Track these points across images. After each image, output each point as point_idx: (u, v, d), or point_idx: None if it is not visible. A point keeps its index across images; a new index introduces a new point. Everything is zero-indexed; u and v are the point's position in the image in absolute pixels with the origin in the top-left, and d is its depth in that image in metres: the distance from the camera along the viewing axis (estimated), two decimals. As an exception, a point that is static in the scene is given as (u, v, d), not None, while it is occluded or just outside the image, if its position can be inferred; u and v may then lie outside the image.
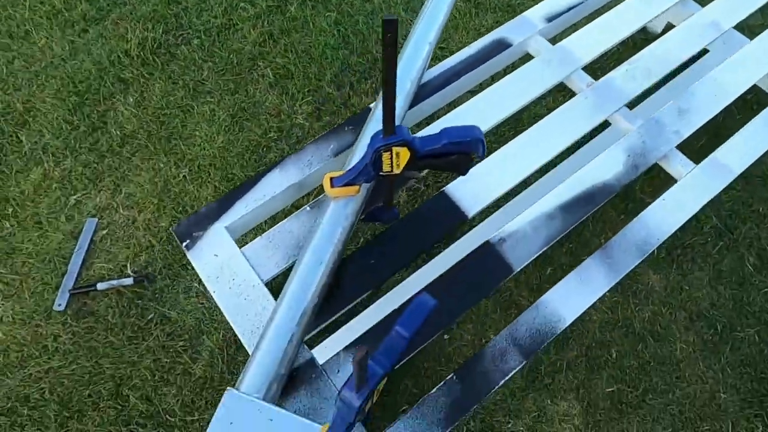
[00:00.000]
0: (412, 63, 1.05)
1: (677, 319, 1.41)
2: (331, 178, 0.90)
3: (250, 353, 0.85)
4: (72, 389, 1.29)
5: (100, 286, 1.39)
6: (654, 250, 1.02)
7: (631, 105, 1.16)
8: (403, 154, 0.82)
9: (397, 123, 0.88)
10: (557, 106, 1.13)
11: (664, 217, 1.01)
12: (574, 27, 1.28)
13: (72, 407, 1.27)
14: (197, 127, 1.65)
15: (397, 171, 0.85)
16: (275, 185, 0.99)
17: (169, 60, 1.78)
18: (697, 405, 1.31)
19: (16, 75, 1.74)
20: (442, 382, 0.86)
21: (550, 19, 1.22)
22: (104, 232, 1.50)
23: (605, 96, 1.13)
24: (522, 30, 1.21)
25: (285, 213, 1.12)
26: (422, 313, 0.72)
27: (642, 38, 1.73)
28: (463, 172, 0.91)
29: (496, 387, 0.85)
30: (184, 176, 1.57)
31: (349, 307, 0.92)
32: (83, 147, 1.62)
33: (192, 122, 1.66)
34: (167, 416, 1.26)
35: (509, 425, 1.27)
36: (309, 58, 1.78)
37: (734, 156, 1.07)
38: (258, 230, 1.34)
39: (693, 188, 1.04)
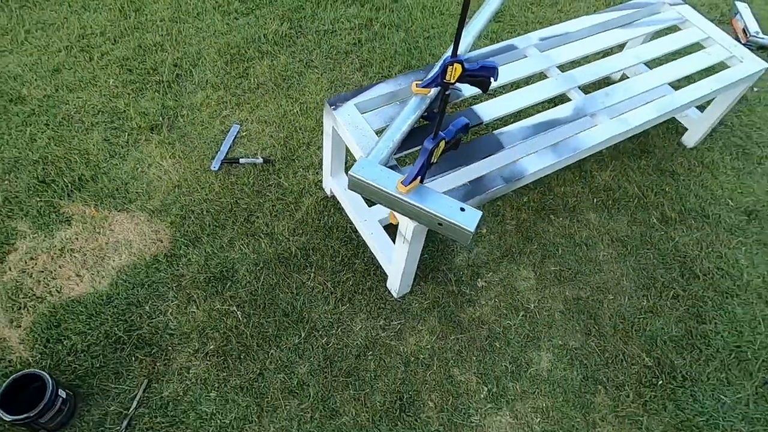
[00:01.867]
0: (476, 24, 1.90)
1: (603, 239, 2.17)
2: (416, 83, 1.73)
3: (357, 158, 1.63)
4: (220, 212, 2.04)
5: (241, 160, 2.18)
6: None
7: (584, 89, 2.01)
8: (457, 69, 1.65)
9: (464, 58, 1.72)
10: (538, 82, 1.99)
11: (591, 134, 1.82)
12: (557, 46, 2.17)
13: (219, 219, 2.01)
14: (307, 85, 2.51)
15: (452, 80, 1.68)
16: (381, 89, 1.82)
17: (291, 44, 2.68)
18: (608, 285, 2.05)
19: (191, 37, 2.63)
20: (461, 182, 1.63)
21: (542, 39, 2.11)
22: (244, 133, 2.31)
23: (568, 80, 1.98)
24: (524, 42, 2.09)
25: (384, 102, 1.94)
26: (462, 123, 1.51)
27: (604, 81, 2.63)
28: (485, 90, 1.73)
29: (491, 189, 1.62)
30: (296, 111, 2.40)
31: (413, 150, 1.71)
32: (232, 85, 2.47)
33: (304, 82, 2.52)
34: (278, 235, 2.00)
35: (490, 275, 2.00)
36: (383, 58, 2.67)
37: (634, 118, 1.91)
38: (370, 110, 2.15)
39: (605, 129, 1.86)
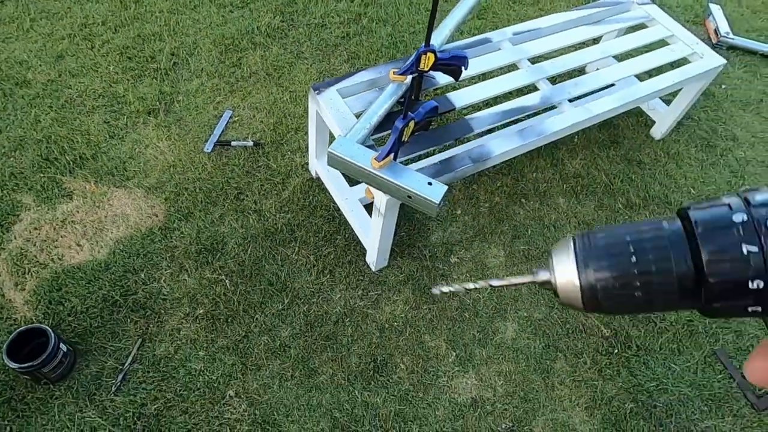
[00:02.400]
0: (453, 18, 2.04)
1: (570, 222, 2.32)
2: (393, 71, 1.87)
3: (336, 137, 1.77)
4: (212, 190, 2.18)
5: (233, 143, 2.32)
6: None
7: (552, 80, 2.16)
8: (430, 58, 1.80)
9: (439, 49, 1.87)
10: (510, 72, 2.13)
11: (555, 121, 1.97)
12: (529, 40, 2.32)
13: (211, 197, 2.15)
14: (297, 75, 2.65)
15: (425, 69, 1.82)
16: (362, 76, 1.96)
17: (283, 36, 2.82)
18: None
19: (188, 28, 2.77)
20: (432, 162, 1.78)
21: (516, 34, 2.26)
22: (236, 119, 2.45)
23: (537, 72, 2.13)
24: (499, 36, 2.23)
25: (364, 89, 2.08)
26: (430, 105, 1.66)
27: (577, 74, 2.78)
28: (456, 78, 1.88)
29: (459, 168, 1.77)
30: (286, 98, 2.55)
31: (389, 131, 1.86)
32: (226, 74, 2.61)
33: (294, 72, 2.67)
34: (266, 212, 2.14)
35: (462, 252, 2.15)
36: (370, 51, 2.82)
37: (596, 106, 2.06)
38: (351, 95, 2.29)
39: (568, 116, 2.01)
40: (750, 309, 0.35)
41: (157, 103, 2.44)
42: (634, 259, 0.38)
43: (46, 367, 1.56)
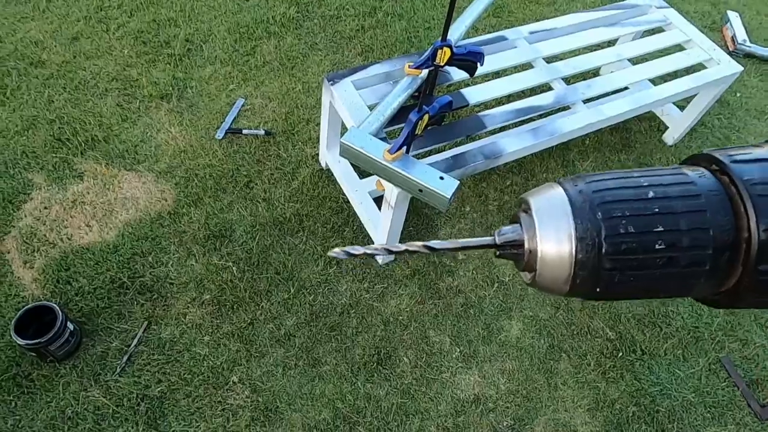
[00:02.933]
0: (470, 15, 2.03)
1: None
2: (408, 65, 1.87)
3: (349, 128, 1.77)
4: (221, 177, 2.18)
5: (244, 131, 2.33)
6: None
7: (566, 80, 2.15)
8: (447, 53, 1.79)
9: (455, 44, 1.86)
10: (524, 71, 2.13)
11: (568, 121, 1.96)
12: (545, 40, 2.30)
13: (221, 184, 2.16)
14: (310, 66, 2.65)
15: (441, 63, 1.82)
16: (377, 69, 1.96)
17: (297, 27, 2.82)
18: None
19: (203, 15, 2.77)
20: (444, 157, 1.78)
21: (531, 33, 2.25)
22: (248, 107, 2.45)
23: (552, 71, 2.12)
24: (515, 34, 2.22)
25: (378, 81, 2.08)
26: (445, 100, 1.66)
27: (591, 75, 2.77)
28: (471, 74, 1.87)
29: (471, 164, 1.76)
30: (299, 89, 2.55)
31: (402, 125, 1.85)
32: (239, 62, 2.61)
33: (307, 63, 2.66)
34: (275, 201, 2.15)
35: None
36: (384, 45, 2.81)
37: (610, 109, 2.05)
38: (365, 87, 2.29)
39: (581, 117, 2.00)
40: None
41: (170, 88, 2.44)
42: (659, 225, 0.27)
43: (53, 345, 1.57)
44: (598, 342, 1.98)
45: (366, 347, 1.84)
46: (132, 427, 1.60)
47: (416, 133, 1.64)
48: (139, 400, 1.64)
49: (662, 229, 0.26)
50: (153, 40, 2.60)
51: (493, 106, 2.03)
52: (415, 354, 1.86)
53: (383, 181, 1.76)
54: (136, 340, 1.74)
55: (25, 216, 1.97)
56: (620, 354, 1.96)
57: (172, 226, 2.02)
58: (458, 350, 1.89)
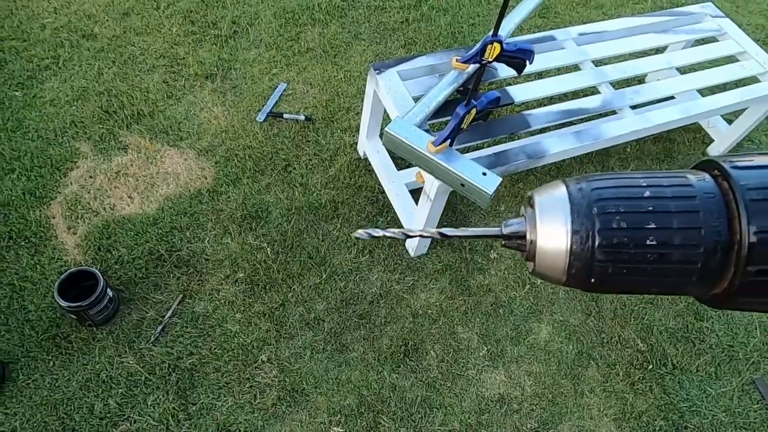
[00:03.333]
0: (519, 13, 2.01)
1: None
2: (456, 59, 1.86)
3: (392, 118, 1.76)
4: (260, 159, 2.20)
5: (285, 115, 2.35)
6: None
7: (613, 85, 2.11)
8: (496, 48, 1.77)
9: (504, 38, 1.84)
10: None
11: (614, 126, 1.93)
12: (594, 42, 2.27)
13: (260, 165, 2.18)
14: (353, 55, 2.65)
15: (490, 59, 1.80)
16: (423, 61, 1.95)
17: (342, 16, 2.82)
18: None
19: (250, 0, 2.80)
20: (486, 154, 1.77)
21: (581, 34, 2.21)
22: (290, 92, 2.47)
23: (599, 75, 2.09)
24: (563, 35, 2.19)
25: (424, 73, 2.07)
26: (493, 96, 1.64)
27: (637, 81, 2.71)
28: (519, 72, 1.85)
29: (514, 162, 1.75)
30: (340, 77, 2.56)
31: (445, 119, 1.84)
32: (283, 47, 2.63)
33: (350, 52, 2.67)
34: (311, 186, 2.16)
35: (502, 249, 2.13)
36: (427, 38, 2.80)
37: (657, 116, 2.00)
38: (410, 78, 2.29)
39: (627, 123, 1.96)
40: None
41: (215, 68, 2.47)
42: (651, 222, 0.29)
43: (93, 309, 1.61)
44: (628, 352, 1.94)
45: (394, 338, 1.85)
46: (162, 396, 1.63)
47: (462, 127, 1.63)
48: (170, 370, 1.68)
49: (654, 226, 0.28)
50: (201, 20, 2.64)
51: (536, 106, 2.01)
52: (443, 348, 1.86)
53: (424, 173, 1.76)
54: (170, 312, 1.77)
55: (71, 183, 2.02)
56: (650, 366, 1.92)
57: (211, 203, 2.05)
58: (486, 348, 1.88)
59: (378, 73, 1.89)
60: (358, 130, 2.36)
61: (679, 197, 0.29)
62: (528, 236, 0.35)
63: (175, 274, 1.87)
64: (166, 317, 1.76)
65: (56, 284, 1.61)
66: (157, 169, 2.11)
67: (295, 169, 2.20)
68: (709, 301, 0.32)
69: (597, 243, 0.29)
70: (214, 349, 1.74)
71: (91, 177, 2.05)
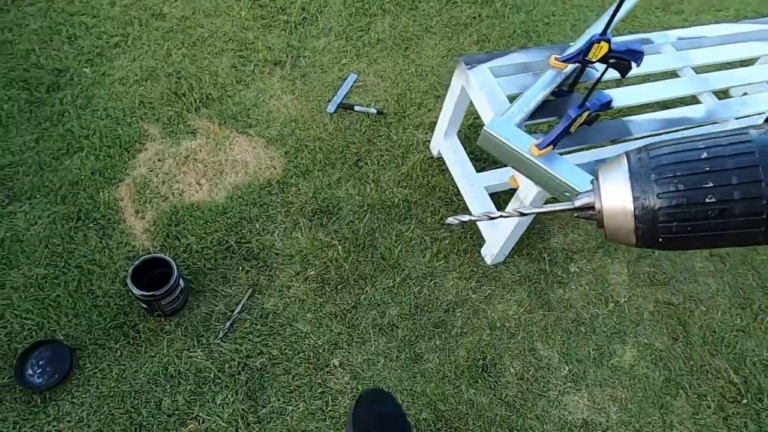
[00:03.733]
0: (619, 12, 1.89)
1: (702, 251, 2.12)
2: (554, 57, 1.73)
3: (485, 122, 1.65)
4: (331, 152, 2.11)
5: (356, 107, 2.25)
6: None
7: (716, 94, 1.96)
8: (603, 48, 1.64)
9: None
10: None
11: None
12: (693, 48, 2.12)
13: (330, 158, 2.09)
14: (425, 49, 2.54)
15: (594, 59, 1.67)
16: (515, 57, 1.83)
17: (413, 8, 2.71)
18: (702, 296, 2.00)
19: (320, -15, 2.71)
20: (587, 160, 1.64)
21: (680, 39, 2.06)
22: (360, 83, 2.37)
23: (701, 83, 1.94)
24: (661, 38, 2.05)
25: (517, 71, 1.95)
26: (606, 98, 1.52)
27: (722, 92, 2.55)
28: (623, 75, 1.72)
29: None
30: (411, 71, 2.45)
31: (538, 121, 1.72)
32: (353, 37, 2.53)
33: (422, 45, 2.56)
34: (383, 183, 2.06)
35: (583, 262, 2.00)
36: (501, 36, 2.68)
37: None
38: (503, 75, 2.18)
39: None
40: None
41: (284, 55, 2.38)
42: (709, 181, 0.29)
43: (165, 299, 1.54)
44: (720, 383, 1.80)
45: (471, 350, 1.74)
46: (231, 395, 1.55)
47: (569, 130, 1.51)
48: (239, 368, 1.59)
49: (712, 184, 0.29)
50: (270, 4, 2.56)
51: (635, 113, 1.87)
52: (522, 365, 1.74)
53: (519, 178, 1.64)
54: (240, 307, 1.69)
55: (140, 165, 1.95)
56: (744, 401, 1.78)
57: (280, 195, 1.96)
58: (567, 368, 1.76)
59: (469, 68, 1.77)
60: (430, 128, 2.25)
61: (738, 154, 0.29)
62: (596, 206, 0.37)
63: (245, 267, 1.78)
64: (235, 312, 1.68)
65: (130, 270, 1.53)
66: (225, 156, 2.03)
67: (366, 164, 2.10)
68: None
69: (658, 206, 0.31)
70: (285, 349, 1.65)
71: (159, 160, 1.98)
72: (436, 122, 2.28)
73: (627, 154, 0.37)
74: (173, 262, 1.56)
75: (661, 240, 0.33)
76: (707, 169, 0.30)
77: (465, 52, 2.57)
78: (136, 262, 1.55)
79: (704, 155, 0.30)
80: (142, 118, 2.08)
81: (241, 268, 1.78)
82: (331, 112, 2.23)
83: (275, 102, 2.22)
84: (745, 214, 0.29)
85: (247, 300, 1.71)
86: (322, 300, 1.76)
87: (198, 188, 1.93)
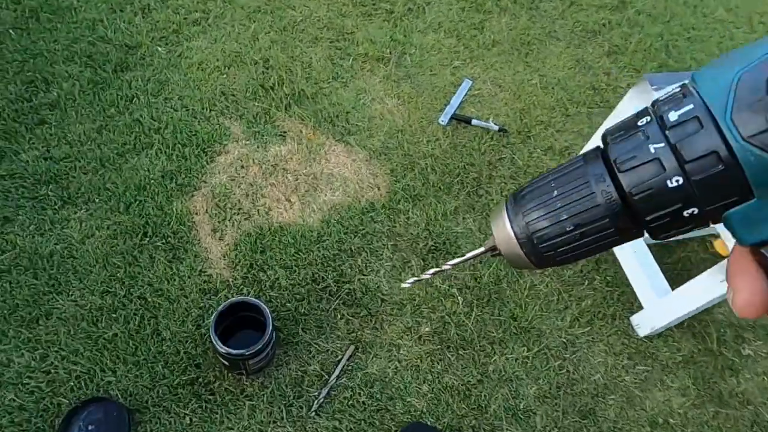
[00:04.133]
0: None
1: None
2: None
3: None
4: (445, 173, 1.73)
5: (474, 121, 1.86)
6: None
7: None
8: None
9: None
10: None
11: None
12: None
13: (445, 181, 1.70)
14: (548, 57, 2.14)
15: None
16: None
17: (533, 7, 2.31)
18: None
19: (427, -27, 2.32)
20: None
21: None
22: (475, 92, 1.98)
23: None
24: None
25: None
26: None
27: None
28: None
29: None
30: (535, 82, 2.05)
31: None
32: (465, 36, 2.14)
33: (545, 52, 2.16)
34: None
35: (758, 344, 1.59)
36: (636, 49, 2.25)
37: None
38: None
39: None
40: (686, 213, 0.29)
41: (388, 51, 2.01)
42: (555, 193, 0.33)
43: (255, 359, 1.18)
44: None
45: (627, 454, 1.34)
46: (327, 493, 1.18)
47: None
48: (338, 455, 1.23)
49: (566, 216, 0.33)
50: (371, -10, 2.19)
51: None
52: (693, 480, 1.34)
53: (726, 241, 1.24)
54: (339, 369, 1.32)
55: (219, 172, 1.60)
56: None
57: (387, 223, 1.59)
58: (750, 490, 1.35)
59: (656, 90, 1.38)
60: (560, 153, 1.86)
61: (577, 186, 0.33)
62: (495, 243, 0.39)
63: (344, 315, 1.41)
64: (332, 376, 1.31)
65: (213, 318, 1.17)
66: (321, 168, 1.67)
67: (488, 192, 1.72)
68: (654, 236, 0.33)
69: (536, 242, 0.34)
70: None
71: (243, 167, 1.62)
72: (568, 147, 1.88)
73: (506, 196, 0.41)
74: (267, 311, 1.20)
75: (556, 260, 0.35)
76: (559, 206, 0.33)
77: (595, 65, 2.16)
78: (221, 307, 1.19)
79: (555, 193, 0.33)
80: (223, 112, 1.73)
81: (340, 315, 1.41)
82: (444, 124, 1.85)
83: (378, 106, 1.85)
84: (598, 231, 0.32)
85: (347, 360, 1.34)
86: (440, 368, 1.38)
87: (288, 206, 1.57)
